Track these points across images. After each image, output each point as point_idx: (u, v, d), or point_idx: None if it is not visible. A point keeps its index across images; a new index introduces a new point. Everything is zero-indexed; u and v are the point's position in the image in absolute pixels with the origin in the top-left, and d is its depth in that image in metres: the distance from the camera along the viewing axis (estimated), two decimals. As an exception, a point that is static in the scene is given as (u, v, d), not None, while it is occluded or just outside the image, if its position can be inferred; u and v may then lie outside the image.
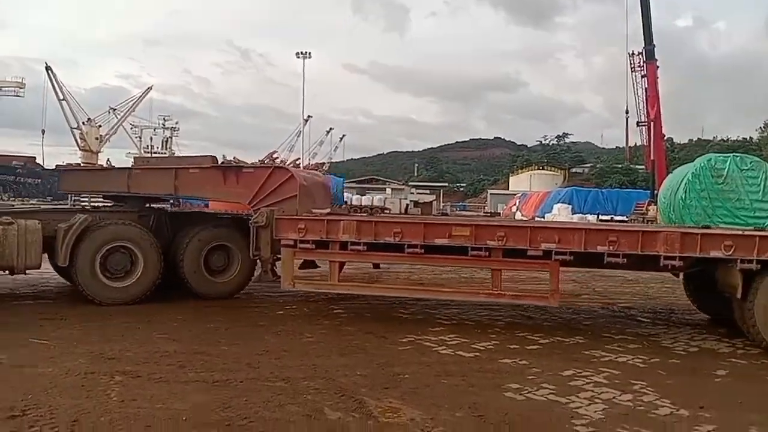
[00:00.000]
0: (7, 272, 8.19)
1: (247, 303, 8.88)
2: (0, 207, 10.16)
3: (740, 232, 7.03)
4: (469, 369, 5.73)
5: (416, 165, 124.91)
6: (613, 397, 5.01)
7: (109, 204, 10.58)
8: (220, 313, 7.88)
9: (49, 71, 59.92)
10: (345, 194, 45.52)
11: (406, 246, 7.34)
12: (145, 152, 72.28)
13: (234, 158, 10.09)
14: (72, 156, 65.50)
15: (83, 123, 64.14)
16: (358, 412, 4.49)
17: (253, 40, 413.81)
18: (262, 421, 4.22)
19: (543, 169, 78.97)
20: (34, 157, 56.35)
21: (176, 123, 77.95)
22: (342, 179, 49.83)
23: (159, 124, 74.64)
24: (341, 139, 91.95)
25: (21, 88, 59.88)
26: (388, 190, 64.24)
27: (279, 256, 8.12)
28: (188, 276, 8.78)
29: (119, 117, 68.62)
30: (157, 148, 73.52)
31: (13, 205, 12.00)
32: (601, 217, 27.55)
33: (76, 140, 63.94)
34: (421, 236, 7.33)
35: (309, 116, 70.28)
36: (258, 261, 8.66)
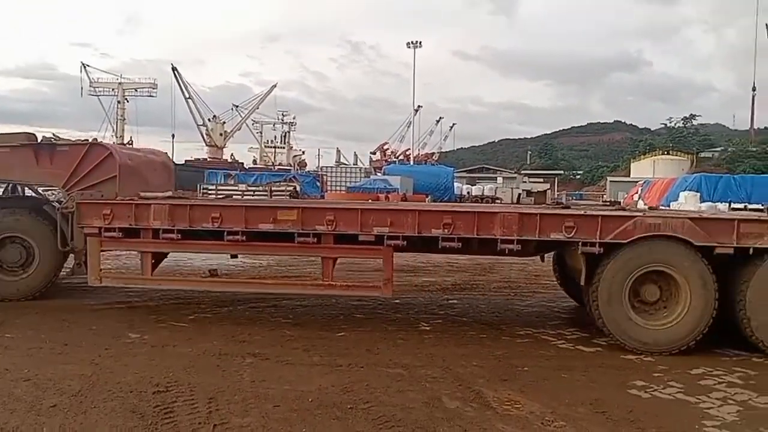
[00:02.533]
0: None
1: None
2: None
3: (582, 212, 6.36)
4: (591, 364, 5.56)
5: (529, 152, 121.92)
6: (749, 399, 4.69)
7: None
8: (340, 301, 8.14)
9: (176, 72, 64.37)
10: (456, 184, 45.40)
11: (225, 233, 6.58)
12: (266, 147, 76.08)
13: (53, 135, 8.72)
14: (199, 151, 70.24)
15: (208, 120, 68.34)
16: (476, 402, 4.50)
17: (363, 33, 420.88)
18: (382, 405, 4.35)
19: (668, 154, 74.26)
20: (165, 153, 60.86)
21: (293, 118, 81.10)
22: (452, 169, 49.71)
23: (277, 119, 77.98)
24: (451, 128, 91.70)
25: (153, 88, 64.79)
26: (500, 179, 63.24)
27: None
28: None
29: (243, 114, 72.40)
30: (277, 142, 76.91)
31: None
32: (733, 205, 25.51)
33: (202, 136, 68.30)
34: (242, 221, 6.54)
35: (419, 106, 70.73)
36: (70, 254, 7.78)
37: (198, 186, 28.60)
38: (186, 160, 60.38)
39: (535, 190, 47.07)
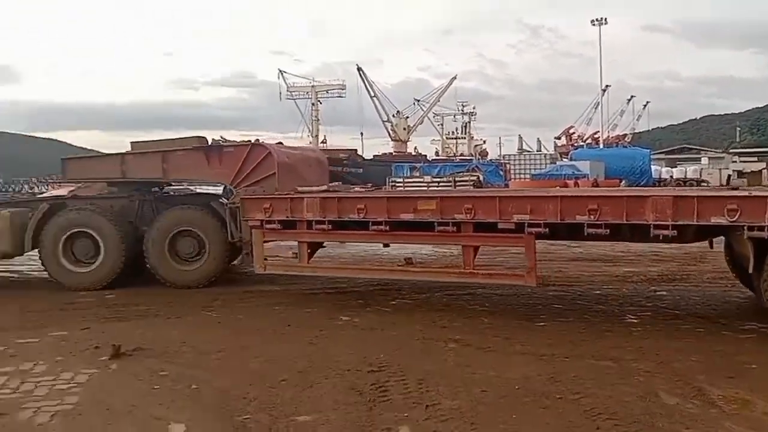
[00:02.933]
0: None
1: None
2: None
3: (747, 194, 5.70)
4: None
5: (738, 129, 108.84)
6: None
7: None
8: (537, 291, 7.98)
9: (360, 72, 67.46)
10: (653, 167, 42.08)
11: (370, 223, 6.78)
12: (447, 138, 76.97)
13: (221, 137, 9.59)
14: (384, 146, 72.97)
15: (392, 116, 70.77)
16: (698, 399, 4.18)
17: (541, 16, 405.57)
18: (593, 397, 4.22)
19: None
20: (356, 150, 64.01)
21: (473, 108, 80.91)
22: (648, 151, 46.07)
23: (458, 110, 78.36)
24: (645, 106, 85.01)
25: (342, 89, 68.62)
26: (704, 160, 57.43)
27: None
28: (153, 263, 8.54)
29: (425, 108, 73.91)
30: (458, 133, 77.39)
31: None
32: None
33: (387, 132, 70.91)
34: (385, 212, 6.72)
35: (607, 86, 66.43)
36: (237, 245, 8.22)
37: (386, 179, 29.77)
38: (374, 155, 63.29)
39: (748, 170, 42.05)
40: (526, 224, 6.16)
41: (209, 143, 8.95)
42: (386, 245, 8.44)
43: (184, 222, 8.52)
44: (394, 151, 68.61)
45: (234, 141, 9.14)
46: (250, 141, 8.93)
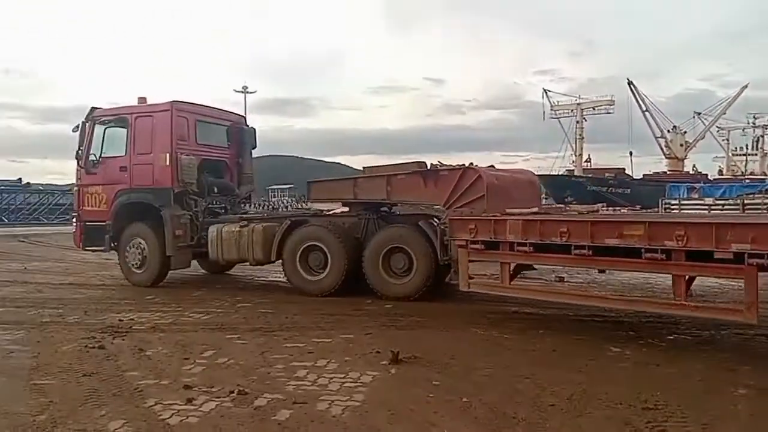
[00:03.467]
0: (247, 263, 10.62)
1: None
2: (242, 214, 11.40)
3: None
4: None
5: None
6: None
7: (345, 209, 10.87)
8: None
9: (631, 86, 63.20)
10: None
11: (573, 247, 6.61)
12: (734, 155, 68.15)
13: (438, 162, 10.01)
14: (656, 164, 67.41)
15: (667, 131, 65.02)
16: None
17: None
18: None
19: None
20: (623, 169, 60.15)
21: (768, 120, 70.36)
22: None
23: (747, 123, 68.91)
24: None
25: (611, 105, 65.15)
26: None
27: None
28: (368, 275, 9.34)
29: (707, 122, 66.65)
30: (748, 149, 68.10)
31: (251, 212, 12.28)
32: None
33: (660, 149, 65.30)
34: (588, 236, 6.54)
35: None
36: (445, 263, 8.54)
37: (659, 201, 27.49)
38: (644, 175, 58.46)
39: None
40: (746, 254, 5.52)
41: (428, 167, 9.55)
42: (602, 271, 8.13)
43: (396, 239, 9.28)
44: (669, 170, 62.93)
45: (449, 165, 9.64)
46: (462, 165, 9.34)
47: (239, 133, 12.39)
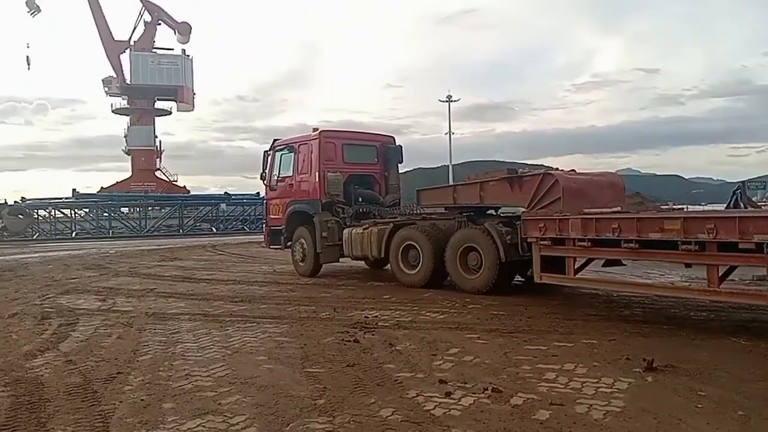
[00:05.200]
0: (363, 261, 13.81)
1: None
2: (391, 218, 12.87)
3: None
4: None
5: None
6: None
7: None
8: None
9: None
10: None
11: (622, 242, 7.52)
12: None
13: (526, 169, 11.04)
14: None
15: None
16: None
17: None
18: None
19: None
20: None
21: None
22: None
23: None
24: None
25: None
26: None
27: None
28: (449, 270, 10.69)
29: None
30: None
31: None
32: None
33: None
34: (635, 231, 7.41)
35: None
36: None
37: None
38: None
39: None
40: (765, 245, 6.17)
41: (517, 173, 10.38)
42: (688, 265, 8.09)
43: (468, 239, 10.39)
44: None
45: (530, 171, 10.51)
46: (542, 171, 10.17)
47: (386, 151, 14.73)
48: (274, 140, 15.03)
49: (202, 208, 48.89)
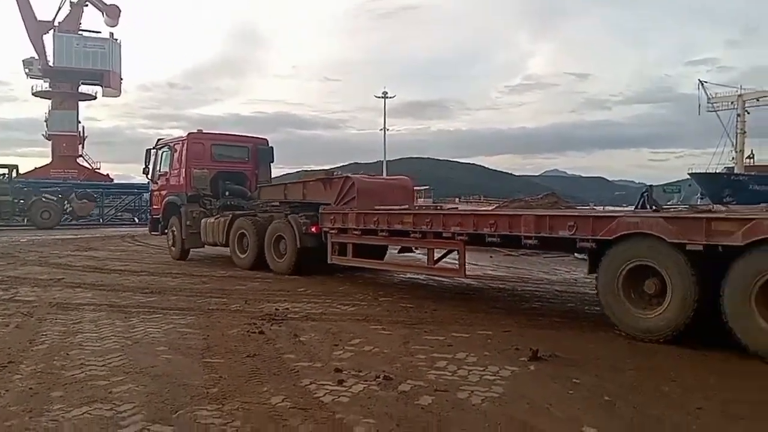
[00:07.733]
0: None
1: None
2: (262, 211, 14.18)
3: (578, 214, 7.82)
4: None
5: None
6: None
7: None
8: None
9: None
10: None
11: (378, 231, 9.83)
12: None
13: (337, 171, 13.39)
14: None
15: None
16: None
17: None
18: None
19: None
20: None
21: None
22: None
23: None
24: None
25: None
26: None
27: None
28: (266, 256, 12.85)
29: None
30: None
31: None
32: None
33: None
34: (386, 223, 9.68)
35: None
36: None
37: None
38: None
39: None
40: (455, 234, 8.55)
41: (332, 176, 12.36)
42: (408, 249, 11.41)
43: (278, 229, 12.46)
44: None
45: (339, 175, 12.50)
46: (345, 175, 12.34)
47: (257, 151, 16.72)
48: (158, 140, 17.32)
49: (124, 197, 47.20)
